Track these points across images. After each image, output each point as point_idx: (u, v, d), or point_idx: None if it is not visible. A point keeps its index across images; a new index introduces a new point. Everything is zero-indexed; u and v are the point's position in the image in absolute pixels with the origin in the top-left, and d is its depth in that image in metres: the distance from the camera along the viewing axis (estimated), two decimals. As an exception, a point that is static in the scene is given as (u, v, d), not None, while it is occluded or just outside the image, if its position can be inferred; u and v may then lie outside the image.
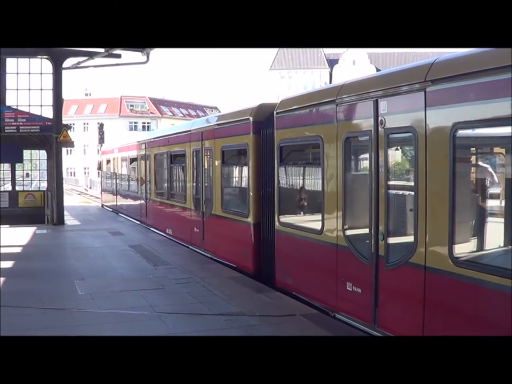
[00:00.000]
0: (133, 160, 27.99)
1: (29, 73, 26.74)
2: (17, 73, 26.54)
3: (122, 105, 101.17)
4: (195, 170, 17.84)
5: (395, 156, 8.98)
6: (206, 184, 16.78)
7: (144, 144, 25.29)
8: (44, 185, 28.33)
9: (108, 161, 35.57)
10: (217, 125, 15.96)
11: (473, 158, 7.91)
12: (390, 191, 8.55)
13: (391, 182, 8.59)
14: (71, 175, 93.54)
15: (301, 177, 12.20)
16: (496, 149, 7.63)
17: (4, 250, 16.33)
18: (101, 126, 52.33)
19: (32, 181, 32.66)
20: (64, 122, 26.28)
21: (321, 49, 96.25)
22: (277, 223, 12.19)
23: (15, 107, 25.86)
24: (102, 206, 37.74)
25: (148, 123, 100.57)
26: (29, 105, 26.57)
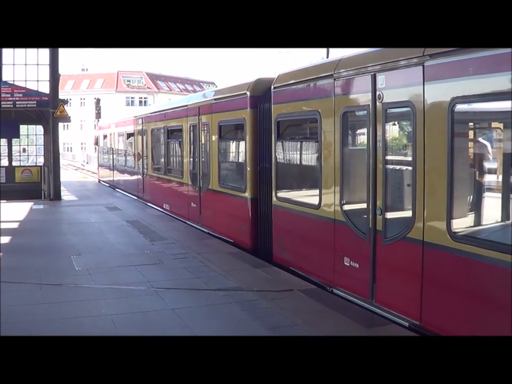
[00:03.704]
0: (129, 135, 27.87)
1: (26, 48, 26.42)
2: (14, 48, 26.23)
3: (119, 80, 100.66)
4: (192, 145, 17.76)
5: (393, 130, 8.93)
6: (203, 159, 16.72)
7: (141, 119, 25.18)
8: (41, 160, 28.28)
9: (105, 137, 35.50)
10: (215, 99, 15.89)
11: (471, 133, 7.87)
12: (387, 166, 8.52)
13: (388, 157, 8.55)
14: (67, 151, 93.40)
15: (298, 152, 12.15)
16: (494, 124, 7.59)
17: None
18: (98, 101, 52.44)
19: (29, 156, 32.49)
20: (60, 97, 26.20)
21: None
22: (274, 198, 12.17)
23: (12, 82, 25.69)
24: (99, 181, 37.73)
25: (144, 98, 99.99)
26: (26, 80, 26.32)
